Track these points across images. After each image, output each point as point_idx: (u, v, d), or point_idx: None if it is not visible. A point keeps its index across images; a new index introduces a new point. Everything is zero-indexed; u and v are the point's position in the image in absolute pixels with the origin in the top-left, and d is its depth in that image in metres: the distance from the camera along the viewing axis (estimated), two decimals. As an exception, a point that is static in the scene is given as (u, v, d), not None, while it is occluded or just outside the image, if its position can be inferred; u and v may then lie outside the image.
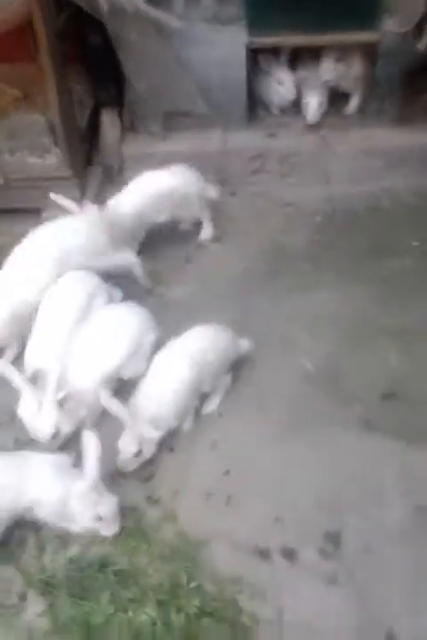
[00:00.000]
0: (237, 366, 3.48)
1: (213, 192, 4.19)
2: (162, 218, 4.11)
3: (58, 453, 3.04)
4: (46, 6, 3.72)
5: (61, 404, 3.16)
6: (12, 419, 3.32)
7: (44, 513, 2.88)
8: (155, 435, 3.07)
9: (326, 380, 3.50)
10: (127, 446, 3.07)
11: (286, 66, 4.50)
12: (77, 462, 3.04)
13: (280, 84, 4.51)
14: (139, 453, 3.10)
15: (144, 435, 3.06)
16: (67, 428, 3.20)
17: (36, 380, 3.22)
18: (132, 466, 3.12)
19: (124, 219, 3.91)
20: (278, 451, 3.21)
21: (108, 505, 2.86)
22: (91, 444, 2.82)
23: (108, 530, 2.90)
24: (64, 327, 3.39)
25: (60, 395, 3.14)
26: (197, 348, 3.25)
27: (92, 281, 3.61)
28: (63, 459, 2.99)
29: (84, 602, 2.75)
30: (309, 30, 4.21)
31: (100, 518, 2.86)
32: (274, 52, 4.44)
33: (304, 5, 4.11)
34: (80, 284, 3.55)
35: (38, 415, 3.16)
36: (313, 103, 4.44)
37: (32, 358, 3.35)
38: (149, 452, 3.14)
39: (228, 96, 4.38)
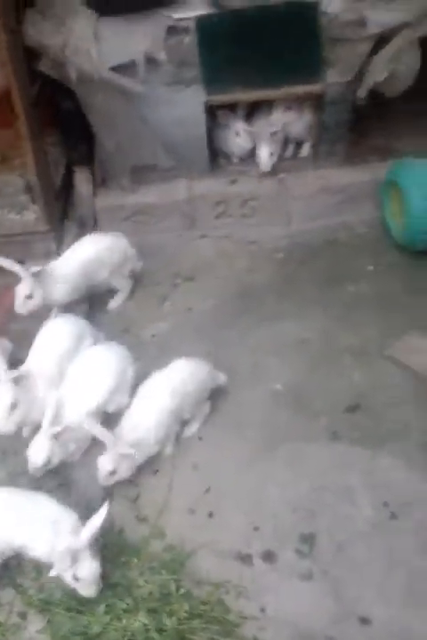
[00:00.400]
0: (215, 395, 3.72)
1: (138, 265, 4.47)
2: (100, 278, 4.27)
3: (65, 508, 3.09)
4: (22, 79, 4.02)
5: (56, 437, 3.35)
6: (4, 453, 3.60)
7: (35, 555, 3.00)
8: (133, 454, 3.29)
9: (295, 399, 3.75)
10: (105, 464, 3.28)
11: (242, 119, 4.81)
12: (60, 493, 3.28)
13: (238, 136, 4.80)
14: (114, 473, 3.29)
15: (123, 456, 3.27)
16: (56, 460, 3.39)
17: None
18: (108, 482, 3.32)
19: (65, 278, 4.09)
20: (254, 467, 3.43)
21: (87, 569, 2.88)
22: (101, 515, 2.91)
23: (86, 591, 2.93)
24: (54, 366, 3.65)
25: (57, 429, 3.33)
26: (178, 379, 3.49)
27: (80, 323, 3.89)
28: (67, 512, 3.05)
29: (81, 615, 2.91)
30: (260, 86, 4.54)
31: (77, 579, 2.89)
32: (231, 107, 4.76)
33: (255, 64, 4.43)
34: (69, 326, 3.83)
35: (32, 444, 3.36)
36: (264, 153, 4.70)
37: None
38: (125, 472, 3.34)
39: (191, 149, 4.67)
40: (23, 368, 3.60)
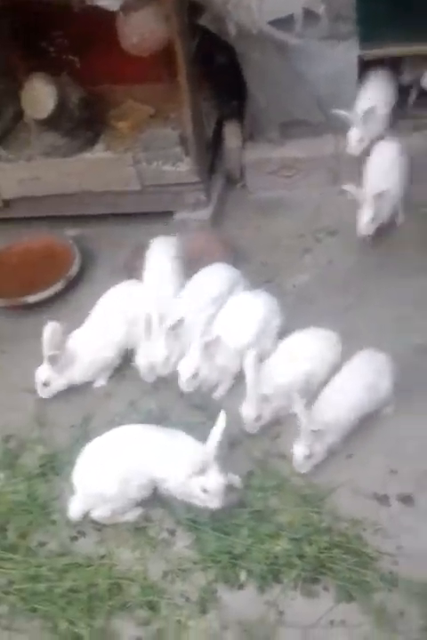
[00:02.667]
0: (359, 343, 3.73)
1: None
2: None
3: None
4: (185, 33, 4.19)
5: (207, 347, 3.57)
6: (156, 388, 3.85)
7: (171, 487, 3.22)
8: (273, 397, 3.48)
9: (436, 352, 3.78)
10: (249, 411, 3.47)
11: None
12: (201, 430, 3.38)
13: None
14: (259, 418, 3.48)
15: (265, 399, 3.45)
16: (203, 374, 3.63)
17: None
18: (255, 428, 3.51)
19: None
20: (396, 414, 3.51)
21: (214, 481, 3.06)
22: (221, 422, 3.10)
23: (211, 503, 3.10)
24: (207, 306, 3.89)
25: (209, 338, 3.56)
26: (317, 346, 3.63)
27: (235, 271, 4.12)
28: (202, 448, 3.16)
29: (226, 536, 3.09)
30: (415, 41, 4.51)
31: (205, 491, 3.08)
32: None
33: (411, 19, 4.42)
34: (227, 272, 4.09)
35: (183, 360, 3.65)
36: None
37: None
38: (269, 416, 3.52)
39: (341, 105, 4.66)
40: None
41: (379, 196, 4.22)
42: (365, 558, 2.99)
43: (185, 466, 3.12)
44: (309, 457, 3.28)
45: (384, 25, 4.48)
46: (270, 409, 3.52)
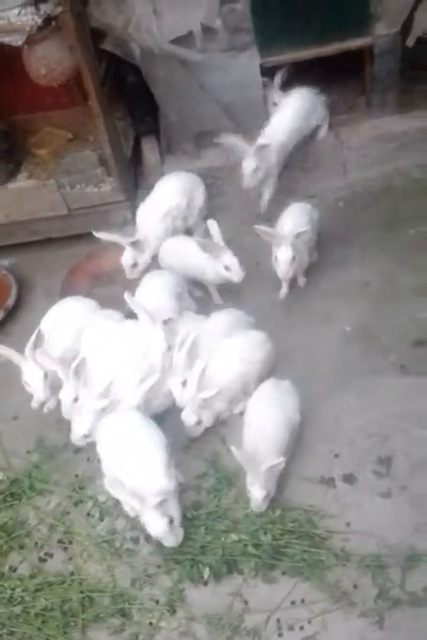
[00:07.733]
0: (290, 336, 4.03)
1: None
2: None
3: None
4: (90, 59, 4.28)
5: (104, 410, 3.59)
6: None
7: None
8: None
9: (364, 338, 4.00)
10: (189, 417, 3.64)
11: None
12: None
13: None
14: (200, 422, 3.66)
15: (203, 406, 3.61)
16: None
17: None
18: (197, 432, 3.69)
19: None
20: (331, 401, 3.71)
21: (153, 530, 3.15)
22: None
23: (167, 543, 3.20)
24: None
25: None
26: (248, 348, 3.75)
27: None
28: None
29: (186, 537, 3.24)
30: (311, 45, 4.73)
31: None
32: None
33: (305, 24, 4.63)
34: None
35: (76, 417, 3.64)
36: None
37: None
38: (208, 421, 3.70)
39: (249, 111, 4.84)
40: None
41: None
42: (317, 539, 3.21)
43: None
44: (267, 496, 3.32)
45: (279, 33, 4.67)
46: (211, 413, 3.70)
